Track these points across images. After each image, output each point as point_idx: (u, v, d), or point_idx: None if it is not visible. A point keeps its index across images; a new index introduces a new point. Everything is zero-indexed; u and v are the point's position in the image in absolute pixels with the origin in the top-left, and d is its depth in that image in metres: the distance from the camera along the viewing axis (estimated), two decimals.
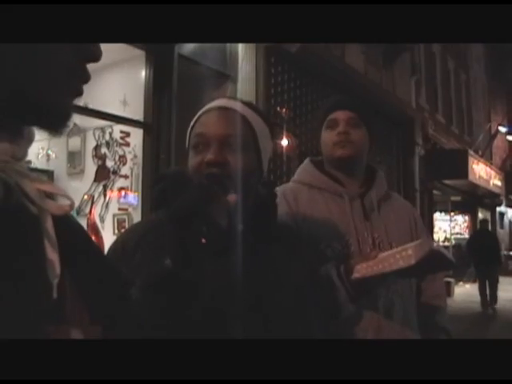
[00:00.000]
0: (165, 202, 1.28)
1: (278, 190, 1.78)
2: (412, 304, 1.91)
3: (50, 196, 0.75)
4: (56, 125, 0.72)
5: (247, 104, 1.40)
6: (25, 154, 0.73)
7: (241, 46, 6.29)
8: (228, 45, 6.12)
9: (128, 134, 5.33)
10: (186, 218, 1.07)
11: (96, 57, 0.74)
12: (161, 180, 1.38)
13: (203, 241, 1.04)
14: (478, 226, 14.08)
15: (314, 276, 1.47)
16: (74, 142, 5.44)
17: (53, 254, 0.69)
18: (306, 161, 2.10)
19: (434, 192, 13.94)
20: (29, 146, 0.74)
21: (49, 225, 0.71)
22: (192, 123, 1.38)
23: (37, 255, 0.68)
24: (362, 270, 1.52)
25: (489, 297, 11.72)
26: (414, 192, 11.57)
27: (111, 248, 1.33)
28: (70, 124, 0.73)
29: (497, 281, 11.93)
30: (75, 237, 0.80)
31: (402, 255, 1.46)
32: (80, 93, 0.73)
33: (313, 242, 1.73)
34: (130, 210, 5.19)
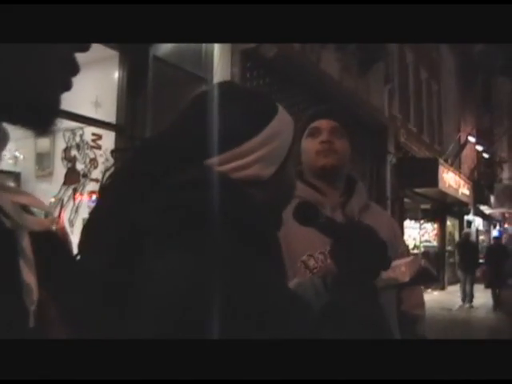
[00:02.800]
0: None
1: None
2: (392, 313, 1.89)
3: (27, 209, 0.66)
4: (44, 123, 0.64)
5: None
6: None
7: (216, 49, 6.23)
8: (203, 48, 6.06)
9: (100, 137, 5.20)
10: None
11: (85, 47, 0.66)
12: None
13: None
14: (462, 237, 16.26)
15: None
16: (43, 144, 5.27)
17: (29, 276, 0.60)
18: None
19: (405, 200, 14.06)
20: (2, 148, 0.64)
21: (26, 242, 0.62)
22: None
23: (11, 278, 0.59)
24: None
25: (467, 294, 13.84)
26: (386, 200, 11.64)
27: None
28: (58, 122, 0.65)
29: (473, 281, 14.05)
30: (56, 255, 0.71)
31: (396, 272, 1.48)
32: (69, 87, 0.65)
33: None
34: None
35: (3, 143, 0.64)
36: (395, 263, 1.50)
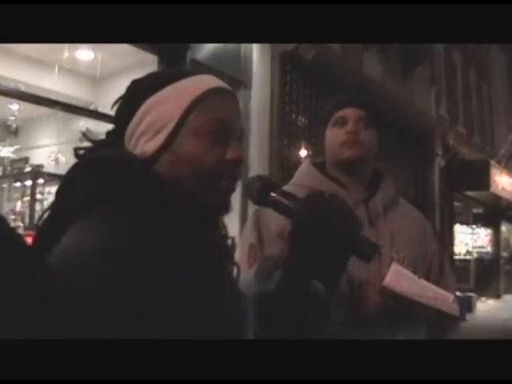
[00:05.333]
0: None
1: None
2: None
3: None
4: None
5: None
6: None
7: (255, 52, 6.26)
8: (242, 50, 6.10)
9: None
10: None
11: None
12: None
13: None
14: None
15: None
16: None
17: None
18: (306, 162, 1.94)
19: (455, 204, 13.73)
20: None
21: None
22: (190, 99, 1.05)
23: None
24: (396, 283, 1.48)
25: None
26: (434, 203, 11.41)
27: None
28: None
29: None
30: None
31: (444, 300, 1.49)
32: None
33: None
34: None
35: None
36: (440, 289, 1.52)
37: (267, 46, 6.39)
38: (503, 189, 14.88)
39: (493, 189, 13.60)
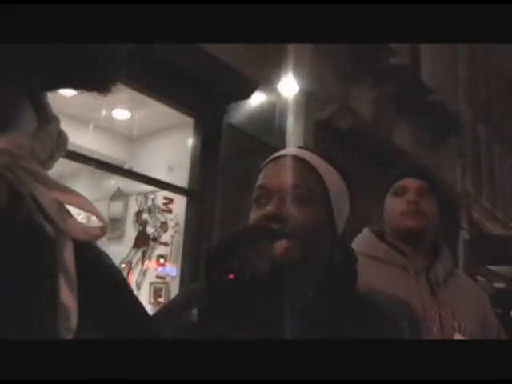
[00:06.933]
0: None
1: None
2: None
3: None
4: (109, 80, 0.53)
5: (323, 157, 1.20)
6: (49, 158, 0.52)
7: (290, 119, 6.25)
8: (277, 117, 6.09)
9: (171, 201, 5.26)
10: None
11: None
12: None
13: (230, 276, 0.89)
14: None
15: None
16: (116, 207, 5.38)
17: (69, 298, 0.48)
18: (365, 230, 1.94)
19: (478, 278, 13.50)
20: (60, 149, 0.53)
21: (68, 255, 0.50)
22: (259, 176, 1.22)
23: (47, 298, 0.47)
24: None
25: None
26: None
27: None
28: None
29: None
30: (103, 276, 0.58)
31: None
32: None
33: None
34: (167, 279, 5.03)
35: (60, 148, 0.54)
36: None
37: (301, 113, 6.39)
38: None
39: None
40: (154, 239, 5.17)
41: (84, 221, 0.56)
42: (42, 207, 0.48)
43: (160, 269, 5.05)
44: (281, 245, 1.01)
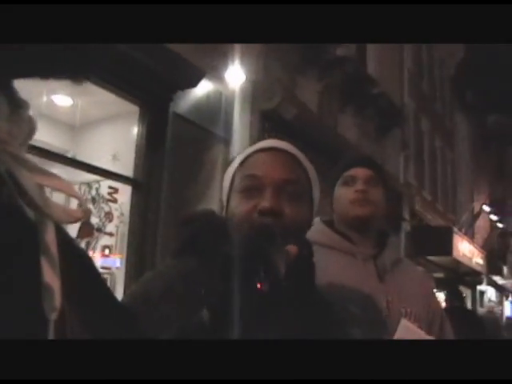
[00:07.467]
0: (195, 248, 1.07)
1: None
2: None
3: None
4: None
5: (298, 148, 1.21)
6: (25, 140, 0.53)
7: (236, 109, 6.24)
8: (223, 106, 6.08)
9: (116, 190, 5.16)
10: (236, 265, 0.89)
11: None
12: (190, 221, 1.15)
13: (258, 286, 0.84)
14: None
15: None
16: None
17: (52, 278, 0.49)
18: (317, 220, 1.93)
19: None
20: (30, 134, 0.54)
21: (50, 237, 0.50)
22: (237, 163, 1.18)
23: (30, 279, 0.48)
24: (404, 338, 1.50)
25: None
26: None
27: (129, 297, 1.11)
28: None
29: None
30: (80, 258, 0.59)
31: None
32: None
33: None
34: (113, 269, 4.95)
35: (30, 130, 0.55)
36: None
37: (248, 102, 6.39)
38: (463, 255, 15.17)
39: (454, 255, 13.85)
40: (99, 229, 5.07)
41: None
42: (24, 191, 0.49)
43: (102, 260, 4.97)
44: (293, 249, 0.98)
